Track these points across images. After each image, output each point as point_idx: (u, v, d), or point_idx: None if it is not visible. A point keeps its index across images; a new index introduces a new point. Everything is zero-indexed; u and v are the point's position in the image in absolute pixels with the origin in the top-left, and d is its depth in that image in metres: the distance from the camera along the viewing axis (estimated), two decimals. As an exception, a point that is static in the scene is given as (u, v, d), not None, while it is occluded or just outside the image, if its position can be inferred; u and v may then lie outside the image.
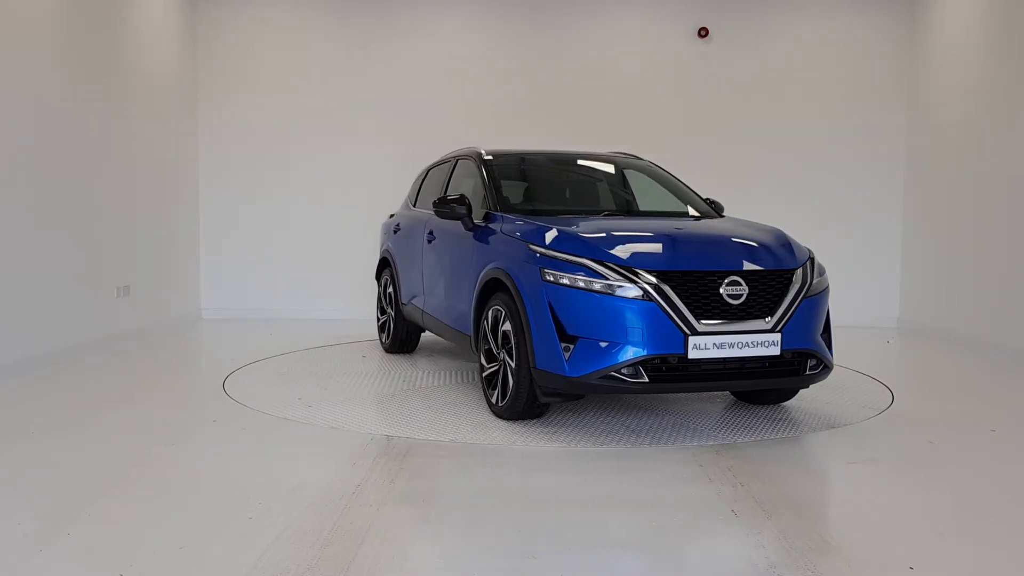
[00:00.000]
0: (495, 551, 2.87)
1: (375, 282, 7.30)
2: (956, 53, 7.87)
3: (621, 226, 4.69)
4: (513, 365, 4.35)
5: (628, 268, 4.08)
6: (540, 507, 3.31)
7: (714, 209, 5.54)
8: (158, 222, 8.06)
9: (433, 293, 5.80)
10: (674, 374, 4.06)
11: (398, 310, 6.54)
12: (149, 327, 7.74)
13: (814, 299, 4.36)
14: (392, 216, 7.10)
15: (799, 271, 4.36)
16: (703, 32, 8.80)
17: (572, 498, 3.44)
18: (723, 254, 4.34)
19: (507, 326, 4.41)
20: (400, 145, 8.69)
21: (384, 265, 6.97)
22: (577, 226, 4.49)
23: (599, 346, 4.02)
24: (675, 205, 5.63)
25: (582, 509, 3.30)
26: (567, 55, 8.89)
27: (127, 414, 4.76)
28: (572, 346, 4.06)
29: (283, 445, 4.25)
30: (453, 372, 6.00)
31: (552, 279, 4.15)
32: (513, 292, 4.35)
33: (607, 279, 4.05)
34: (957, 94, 7.84)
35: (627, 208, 5.76)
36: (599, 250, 4.19)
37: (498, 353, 4.56)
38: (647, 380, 4.00)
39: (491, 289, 4.71)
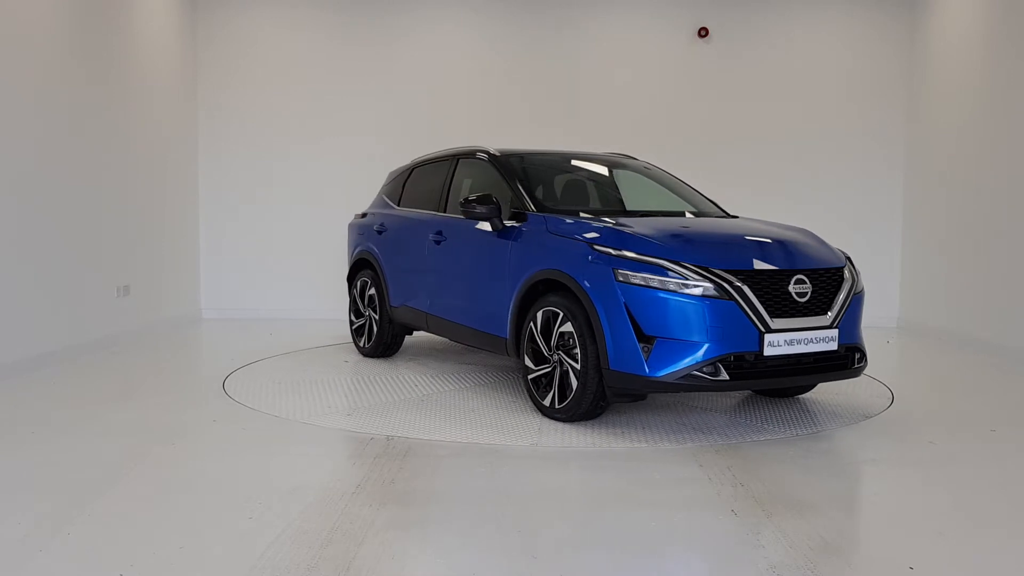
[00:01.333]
0: (495, 551, 2.87)
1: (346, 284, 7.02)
2: (956, 54, 7.87)
3: (675, 226, 4.65)
4: (577, 367, 4.32)
5: (704, 268, 4.13)
6: (540, 507, 3.31)
7: (721, 211, 5.59)
8: (158, 222, 8.06)
9: (444, 295, 5.67)
10: (750, 371, 4.15)
11: (384, 313, 6.34)
12: (149, 327, 7.74)
13: (859, 296, 4.59)
14: (363, 216, 6.88)
15: (846, 269, 4.57)
16: (703, 32, 8.80)
17: (572, 498, 3.44)
18: (788, 254, 4.44)
19: (566, 327, 4.38)
20: (400, 145, 8.68)
21: (362, 267, 6.72)
22: (635, 227, 4.48)
23: (679, 345, 4.05)
24: (680, 205, 5.62)
25: (582, 509, 3.30)
26: (567, 55, 8.89)
27: (127, 414, 4.76)
28: (651, 346, 4.08)
29: (283, 445, 4.25)
30: (450, 372, 6.00)
31: (627, 280, 4.15)
32: (578, 293, 4.32)
33: (686, 279, 4.09)
34: (957, 94, 7.85)
35: (654, 209, 5.61)
36: (673, 250, 4.22)
37: (551, 355, 4.52)
38: (727, 378, 4.07)
39: (539, 290, 4.68)
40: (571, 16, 8.87)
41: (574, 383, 4.37)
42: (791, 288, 4.23)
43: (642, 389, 4.20)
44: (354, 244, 6.89)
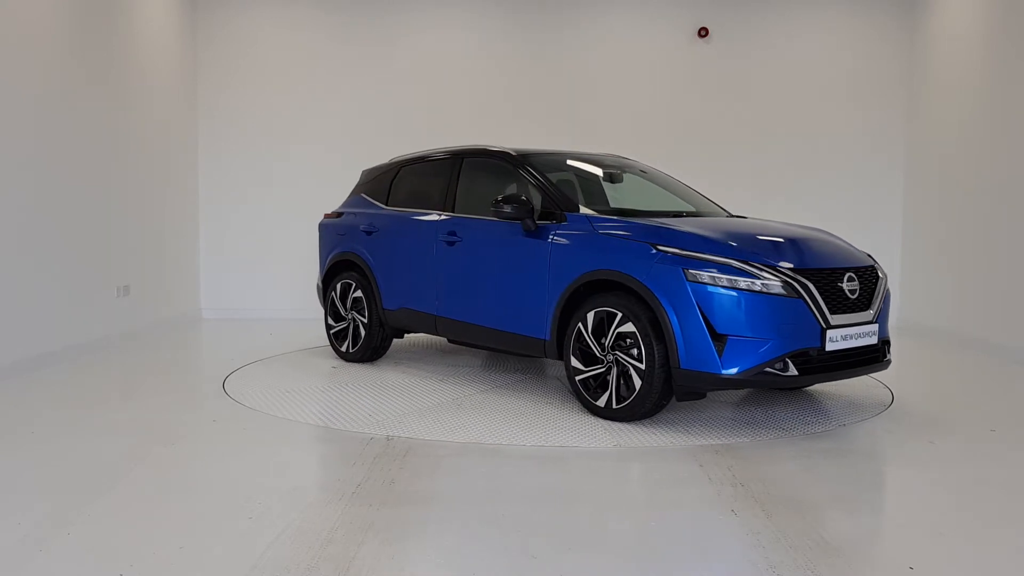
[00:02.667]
0: (495, 551, 2.87)
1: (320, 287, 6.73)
2: (956, 54, 7.87)
3: (724, 226, 4.72)
4: (642, 367, 4.34)
5: (771, 267, 4.26)
6: (540, 507, 3.31)
7: (726, 212, 5.64)
8: (158, 222, 8.06)
9: (459, 297, 5.54)
10: (814, 366, 4.31)
11: (374, 316, 6.14)
12: (149, 327, 7.74)
13: (888, 292, 4.84)
14: (339, 215, 6.65)
15: (878, 267, 4.81)
16: (703, 32, 8.80)
17: (572, 498, 3.44)
18: (838, 253, 4.68)
19: (626, 328, 4.39)
20: (401, 145, 8.65)
21: (343, 268, 6.47)
22: (688, 227, 4.54)
23: (751, 343, 4.15)
24: (690, 206, 5.63)
25: (582, 509, 3.30)
26: (567, 55, 8.89)
27: (127, 414, 4.76)
28: (723, 345, 4.14)
29: (283, 445, 4.25)
30: (447, 374, 6.00)
31: (698, 279, 4.20)
32: (642, 293, 4.34)
33: (757, 277, 4.18)
34: (957, 94, 7.84)
35: (679, 209, 5.58)
36: (739, 250, 4.32)
37: (605, 356, 4.53)
38: (796, 373, 4.22)
39: (586, 292, 4.68)
40: (571, 16, 8.87)
41: (637, 383, 4.38)
42: (843, 285, 4.43)
43: (715, 387, 4.26)
44: (331, 245, 6.61)
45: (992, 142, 7.21)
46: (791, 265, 4.31)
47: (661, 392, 4.36)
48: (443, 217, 5.72)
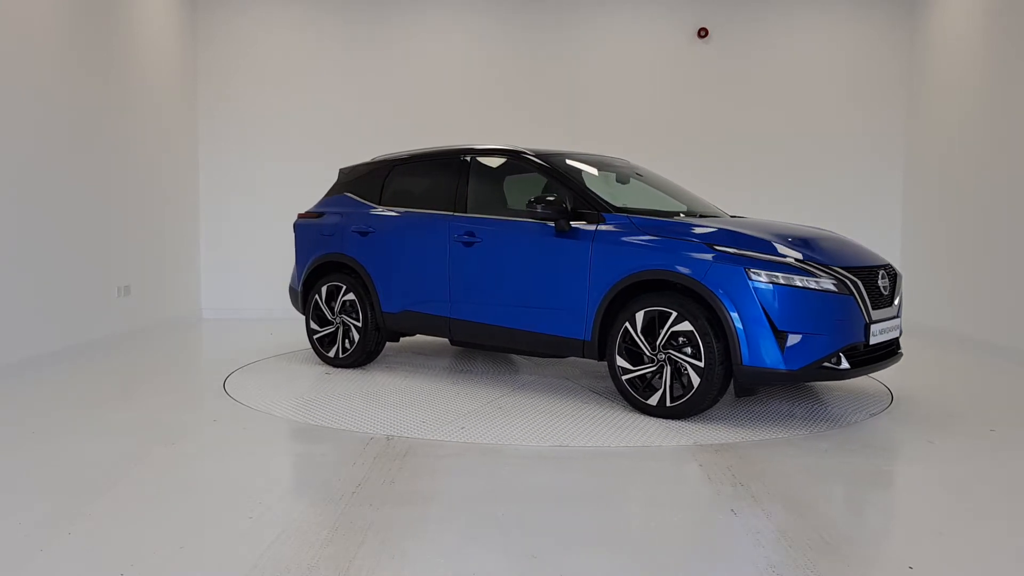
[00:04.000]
0: (495, 551, 2.87)
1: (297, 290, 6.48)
2: (956, 54, 7.87)
3: (770, 227, 4.88)
4: (700, 364, 4.43)
5: (824, 266, 4.46)
6: (540, 507, 3.31)
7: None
8: (158, 222, 8.06)
9: (479, 299, 5.44)
10: (860, 360, 4.56)
11: (369, 320, 5.97)
12: (149, 327, 7.74)
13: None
14: (320, 216, 6.40)
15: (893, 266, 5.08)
16: (703, 32, 8.80)
17: (572, 497, 3.44)
18: (868, 252, 4.97)
19: (682, 327, 4.47)
20: (401, 145, 8.68)
21: (330, 271, 6.25)
22: (735, 227, 4.67)
23: (811, 339, 4.34)
24: (677, 207, 5.62)
25: (582, 509, 3.30)
26: (567, 55, 8.89)
27: (127, 414, 4.76)
28: (784, 341, 4.32)
29: (283, 445, 4.25)
30: (446, 373, 6.00)
31: (760, 279, 4.33)
32: (701, 292, 4.42)
33: (815, 276, 4.38)
34: (957, 94, 7.85)
35: (675, 209, 5.57)
36: (796, 250, 4.49)
37: (656, 355, 4.59)
38: (848, 367, 4.44)
39: (630, 292, 4.71)
40: (571, 17, 8.87)
41: (695, 380, 4.47)
42: (879, 282, 4.70)
43: (776, 382, 4.46)
44: (312, 246, 6.35)
45: (992, 142, 7.21)
46: (842, 264, 4.54)
47: (721, 389, 4.52)
48: (456, 217, 5.59)
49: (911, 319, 8.57)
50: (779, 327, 4.30)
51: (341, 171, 6.65)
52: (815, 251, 4.56)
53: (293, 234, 6.62)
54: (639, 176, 5.90)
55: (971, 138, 7.57)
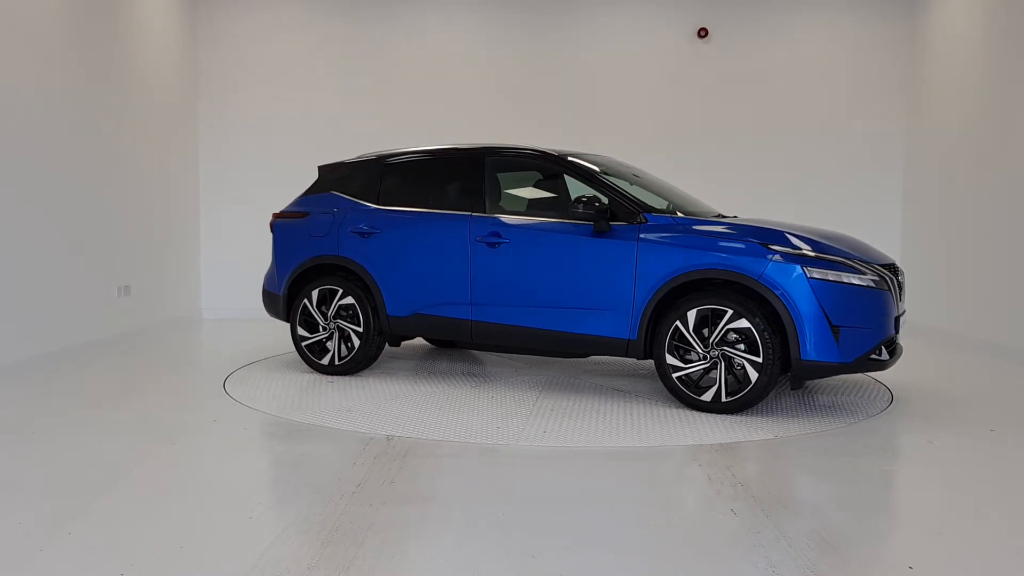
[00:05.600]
0: (495, 551, 2.87)
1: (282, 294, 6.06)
2: (956, 54, 7.87)
3: (805, 227, 5.05)
4: (758, 360, 4.62)
5: (866, 263, 4.74)
6: (540, 507, 3.31)
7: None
8: (158, 222, 8.07)
9: (505, 301, 5.32)
10: (893, 351, 4.85)
11: (371, 324, 5.72)
12: (149, 327, 7.74)
13: None
14: (304, 216, 6.03)
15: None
16: (703, 32, 8.80)
17: (572, 498, 3.44)
18: (881, 252, 5.22)
19: (739, 324, 4.64)
20: (401, 145, 8.68)
21: (322, 274, 5.95)
22: (789, 229, 4.89)
23: (860, 332, 4.61)
24: (703, 207, 5.68)
25: (582, 509, 3.30)
26: (567, 55, 8.89)
27: (127, 414, 4.76)
28: (839, 335, 4.57)
29: (283, 444, 4.26)
30: (445, 376, 5.99)
31: (817, 276, 4.57)
32: (759, 290, 4.62)
33: (864, 273, 4.66)
34: (956, 94, 7.84)
35: (694, 208, 5.59)
36: (839, 249, 4.75)
37: (708, 352, 4.73)
38: (888, 358, 4.76)
39: (677, 291, 4.83)
40: (571, 17, 8.87)
41: (752, 376, 4.65)
42: (899, 279, 5.01)
43: (831, 374, 4.72)
44: (298, 247, 5.99)
45: (992, 142, 7.21)
46: (877, 262, 4.82)
47: (771, 384, 4.67)
48: (478, 217, 5.43)
49: (911, 319, 8.57)
50: (834, 322, 4.55)
51: (321, 168, 6.24)
52: (854, 250, 4.83)
53: (271, 234, 6.22)
54: (636, 178, 5.88)
55: (971, 138, 7.57)
